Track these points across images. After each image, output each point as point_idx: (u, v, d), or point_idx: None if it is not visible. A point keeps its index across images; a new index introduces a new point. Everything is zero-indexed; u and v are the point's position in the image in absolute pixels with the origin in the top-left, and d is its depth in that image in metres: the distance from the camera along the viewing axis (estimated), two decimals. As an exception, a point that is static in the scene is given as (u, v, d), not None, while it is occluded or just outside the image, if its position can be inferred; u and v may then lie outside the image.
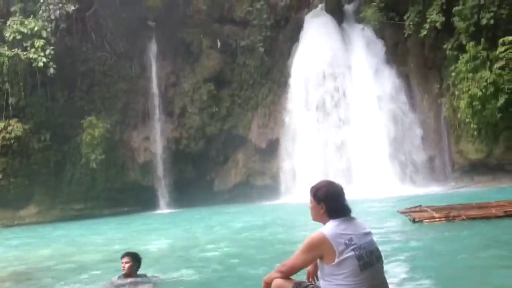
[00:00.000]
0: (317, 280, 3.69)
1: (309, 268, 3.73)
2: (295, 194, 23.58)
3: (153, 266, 7.86)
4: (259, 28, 27.83)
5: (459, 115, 21.31)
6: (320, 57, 25.81)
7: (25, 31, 25.03)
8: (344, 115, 25.45)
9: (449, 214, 10.34)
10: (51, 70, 24.86)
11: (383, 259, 3.53)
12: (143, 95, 29.01)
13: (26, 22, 25.23)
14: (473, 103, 19.37)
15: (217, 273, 7.37)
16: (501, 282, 5.39)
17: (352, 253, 3.35)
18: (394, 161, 23.69)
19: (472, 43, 19.67)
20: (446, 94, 22.93)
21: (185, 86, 28.65)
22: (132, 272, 6.34)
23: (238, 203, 25.75)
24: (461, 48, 20.53)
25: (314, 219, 3.62)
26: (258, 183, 27.52)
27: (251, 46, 27.90)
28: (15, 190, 25.74)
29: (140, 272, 6.49)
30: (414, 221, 10.35)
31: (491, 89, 18.76)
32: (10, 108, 25.60)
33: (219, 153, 28.62)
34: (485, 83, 18.84)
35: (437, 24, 20.80)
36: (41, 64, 24.60)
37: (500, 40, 18.83)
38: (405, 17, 22.78)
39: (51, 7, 25.56)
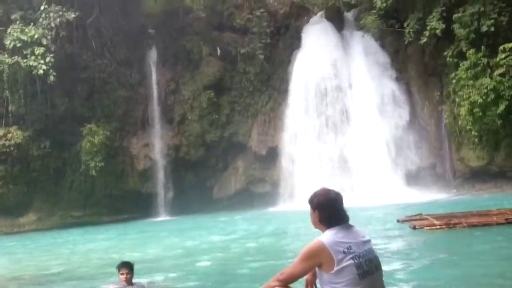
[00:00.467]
0: (316, 288, 3.61)
1: (307, 276, 3.66)
2: (295, 201, 23.47)
3: (147, 273, 7.77)
4: (259, 35, 27.90)
5: (459, 122, 21.26)
6: (320, 64, 25.83)
7: (25, 38, 25.07)
8: (344, 122, 25.42)
9: (450, 221, 10.26)
10: (51, 78, 24.87)
11: (382, 267, 3.46)
12: (143, 102, 29.01)
13: (26, 30, 25.28)
14: (474, 110, 19.33)
15: (211, 282, 7.27)
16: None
17: (351, 261, 3.28)
18: (395, 168, 23.61)
19: (472, 50, 19.67)
20: (447, 101, 22.89)
21: (185, 93, 28.65)
22: (130, 282, 6.28)
23: (238, 210, 25.64)
24: (462, 55, 20.53)
25: (314, 226, 3.58)
26: (258, 190, 27.43)
27: (251, 53, 27.94)
28: (15, 197, 25.67)
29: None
30: (414, 228, 10.26)
31: (492, 96, 18.72)
32: (10, 115, 25.58)
33: (219, 160, 28.56)
34: (485, 90, 18.81)
35: (437, 31, 20.81)
36: (41, 71, 24.61)
37: (501, 47, 18.83)
38: (405, 24, 22.80)
39: (51, 14, 25.62)
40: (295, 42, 27.65)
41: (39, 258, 12.79)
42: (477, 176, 21.90)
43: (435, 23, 20.85)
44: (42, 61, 24.79)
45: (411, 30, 22.19)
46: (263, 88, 28.20)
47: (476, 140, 20.82)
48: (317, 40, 26.44)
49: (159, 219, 26.47)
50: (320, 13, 27.95)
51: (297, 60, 26.92)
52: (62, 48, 26.59)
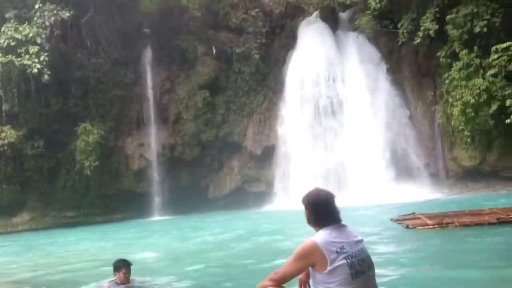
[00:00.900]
0: (309, 288, 3.67)
1: (301, 276, 3.72)
2: (290, 201, 23.53)
3: (141, 273, 7.80)
4: (254, 35, 27.94)
5: (452, 122, 21.41)
6: (315, 64, 25.92)
7: (20, 37, 24.96)
8: (339, 122, 25.53)
9: (442, 221, 10.37)
10: (46, 77, 24.78)
11: (374, 266, 3.52)
12: (138, 101, 28.97)
13: (20, 29, 25.17)
14: (467, 111, 19.48)
15: (205, 281, 7.32)
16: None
17: (344, 261, 3.34)
18: (389, 168, 23.73)
19: (465, 51, 19.82)
20: (440, 102, 23.05)
21: (180, 92, 28.64)
22: (128, 280, 6.31)
23: (233, 209, 25.69)
24: (455, 56, 20.67)
25: (309, 224, 3.65)
26: (253, 189, 27.48)
27: (247, 53, 27.97)
28: (8, 197, 25.57)
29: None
30: (407, 227, 10.36)
31: (484, 96, 18.87)
32: (3, 114, 25.47)
33: (214, 160, 28.58)
34: (478, 91, 18.95)
35: (431, 32, 20.94)
36: (35, 70, 24.52)
37: (493, 48, 18.96)
38: (399, 25, 22.92)
39: (46, 13, 25.52)
40: (290, 42, 27.72)
41: (28, 259, 12.74)
42: (470, 176, 22.09)
43: (428, 24, 20.98)
44: (36, 60, 24.70)
45: (405, 31, 22.32)
46: (258, 87, 28.25)
47: (469, 140, 20.99)
48: (312, 40, 26.53)
49: (154, 219, 26.45)
50: (315, 13, 28.03)
51: (292, 60, 27.00)
52: (57, 47, 26.50)
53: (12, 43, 24.96)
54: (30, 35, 25.09)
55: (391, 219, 12.29)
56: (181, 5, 28.85)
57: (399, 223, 11.35)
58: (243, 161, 27.95)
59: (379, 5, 22.65)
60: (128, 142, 28.36)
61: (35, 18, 25.70)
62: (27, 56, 24.74)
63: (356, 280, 3.34)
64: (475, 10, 19.63)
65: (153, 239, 15.35)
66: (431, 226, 10.16)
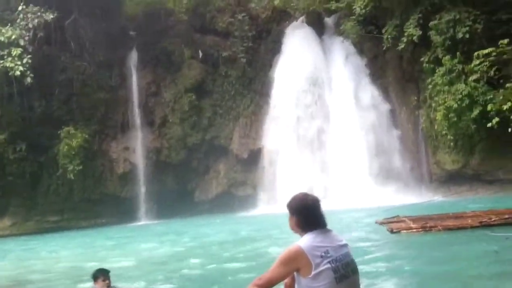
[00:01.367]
0: (294, 293, 3.67)
1: (286, 280, 3.71)
2: (277, 204, 23.53)
3: (123, 280, 7.72)
4: (241, 39, 27.97)
5: (436, 127, 21.72)
6: (301, 68, 26.07)
7: (2, 39, 24.57)
8: (324, 126, 25.69)
9: (426, 224, 10.49)
10: (28, 79, 24.42)
11: (359, 271, 3.54)
12: (123, 105, 28.71)
13: (3, 31, 24.78)
14: (449, 115, 19.78)
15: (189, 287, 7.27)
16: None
17: (328, 265, 3.35)
18: (373, 171, 23.95)
19: (448, 57, 20.14)
20: (423, 106, 23.37)
21: (166, 96, 28.49)
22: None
23: (219, 213, 25.61)
24: (438, 61, 20.98)
25: (292, 230, 3.63)
26: (240, 193, 27.44)
27: (233, 57, 27.99)
28: (-11, 202, 25.06)
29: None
30: (392, 231, 10.45)
31: (466, 101, 19.18)
32: (-15, 117, 25.03)
33: (200, 164, 28.45)
34: (460, 96, 19.26)
35: (414, 38, 21.24)
36: (18, 73, 24.15)
37: (475, 54, 19.30)
38: (383, 31, 23.22)
39: (29, 15, 25.19)
40: (276, 46, 27.83)
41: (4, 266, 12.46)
42: (453, 179, 22.40)
43: (412, 30, 21.29)
44: (19, 62, 24.34)
45: (389, 36, 22.60)
46: (244, 91, 28.26)
47: (452, 144, 21.31)
48: (298, 45, 26.70)
49: (139, 223, 26.19)
50: (301, 18, 28.22)
51: (278, 64, 27.12)
52: (40, 49, 26.15)
53: (-5, 45, 24.57)
54: (13, 37, 24.73)
55: (376, 222, 12.38)
56: (167, 8, 28.77)
57: (383, 226, 11.44)
58: (230, 164, 27.90)
59: (364, 10, 22.93)
60: (113, 145, 28.07)
61: (18, 20, 25.33)
62: (10, 59, 24.36)
63: (340, 285, 3.35)
64: (457, 16, 19.98)
65: (135, 245, 15.16)
66: (415, 230, 10.26)
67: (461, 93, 19.25)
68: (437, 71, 20.64)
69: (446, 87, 19.98)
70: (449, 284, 6.08)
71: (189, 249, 12.38)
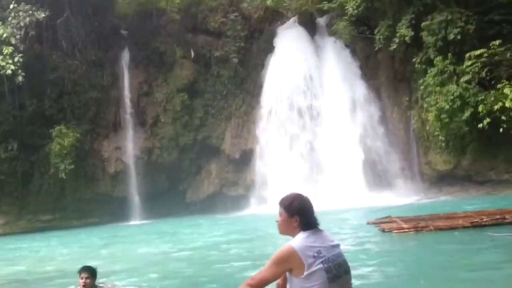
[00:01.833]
0: (286, 293, 3.66)
1: (278, 281, 3.70)
2: (268, 204, 23.54)
3: (109, 279, 7.68)
4: (233, 39, 27.94)
5: (427, 127, 21.83)
6: (293, 68, 26.09)
7: (-7, 37, 24.37)
8: (316, 126, 25.74)
9: (418, 225, 10.54)
10: (20, 78, 24.22)
11: (351, 271, 3.54)
12: (115, 104, 28.57)
13: (-6, 29, 24.57)
14: (441, 116, 19.86)
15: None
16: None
17: (320, 265, 3.34)
18: (365, 172, 24.03)
19: (439, 58, 20.22)
20: (415, 107, 23.49)
21: (157, 95, 28.39)
22: (91, 286, 6.18)
23: (211, 213, 25.57)
24: (430, 62, 21.07)
25: (283, 232, 3.56)
26: (231, 193, 27.41)
27: (225, 57, 27.95)
28: (-20, 201, 24.82)
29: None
30: (383, 231, 10.49)
31: (458, 102, 19.26)
32: (-25, 116, 24.78)
33: (192, 164, 28.39)
34: (452, 97, 19.35)
35: (407, 38, 21.33)
36: (9, 71, 23.95)
37: (467, 55, 19.39)
38: (375, 31, 23.28)
39: (21, 13, 24.98)
40: (268, 46, 27.83)
41: None
42: (444, 180, 22.53)
43: (404, 31, 21.37)
44: (10, 61, 24.14)
45: (381, 37, 22.68)
46: (237, 91, 28.24)
47: (443, 144, 21.43)
48: (290, 45, 26.72)
49: (131, 223, 26.08)
50: (293, 18, 28.25)
51: (270, 64, 27.12)
52: (32, 48, 25.95)
53: (-15, 43, 24.33)
54: (4, 35, 24.52)
55: (368, 223, 12.42)
56: (159, 8, 28.65)
57: (375, 227, 11.48)
58: (221, 164, 27.87)
59: (356, 11, 22.98)
60: (105, 145, 27.92)
61: (9, 19, 25.12)
62: (1, 57, 24.17)
63: (332, 285, 3.34)
64: (449, 17, 20.08)
65: (126, 245, 15.08)
66: (406, 230, 10.31)
67: (452, 94, 19.33)
68: (429, 71, 20.72)
69: (438, 88, 20.07)
70: (439, 284, 6.11)
71: (179, 249, 12.33)
